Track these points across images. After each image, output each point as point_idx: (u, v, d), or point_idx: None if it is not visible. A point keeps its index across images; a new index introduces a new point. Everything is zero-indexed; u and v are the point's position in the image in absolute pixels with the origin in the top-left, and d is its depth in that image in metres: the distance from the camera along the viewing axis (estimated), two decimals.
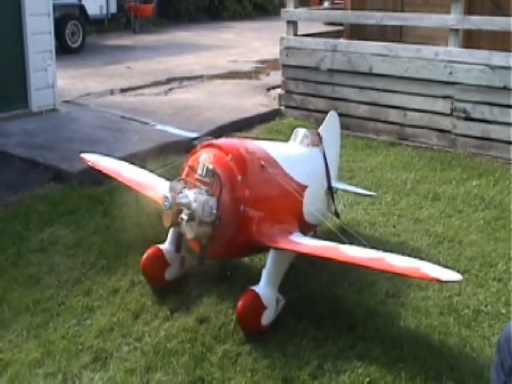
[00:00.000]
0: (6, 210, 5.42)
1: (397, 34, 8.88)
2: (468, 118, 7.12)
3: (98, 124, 7.86)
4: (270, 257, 3.77)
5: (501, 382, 2.28)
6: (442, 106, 7.28)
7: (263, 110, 8.91)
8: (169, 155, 6.47)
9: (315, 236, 4.48)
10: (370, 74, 7.79)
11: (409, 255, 3.88)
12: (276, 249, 3.74)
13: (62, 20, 13.66)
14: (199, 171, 3.75)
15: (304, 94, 8.54)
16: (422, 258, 3.78)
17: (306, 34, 9.24)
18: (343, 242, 3.74)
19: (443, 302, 4.11)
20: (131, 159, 5.28)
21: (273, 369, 3.44)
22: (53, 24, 8.20)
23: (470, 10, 7.42)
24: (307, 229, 4.28)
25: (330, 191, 4.64)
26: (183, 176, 3.85)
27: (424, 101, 7.43)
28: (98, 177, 5.39)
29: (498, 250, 4.80)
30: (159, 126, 7.94)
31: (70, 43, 14.06)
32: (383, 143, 7.57)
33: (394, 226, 5.24)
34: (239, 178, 3.73)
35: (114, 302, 4.06)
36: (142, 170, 4.72)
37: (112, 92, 10.14)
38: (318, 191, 4.46)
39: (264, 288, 3.70)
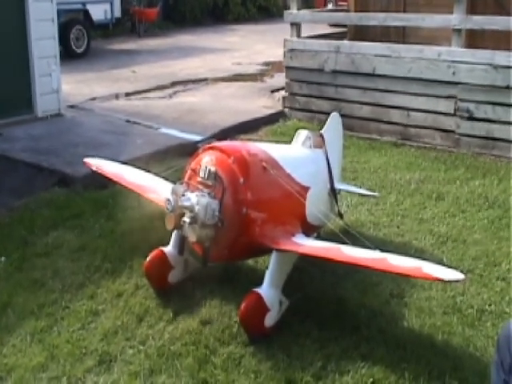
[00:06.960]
0: (11, 215, 5.44)
1: (400, 35, 8.88)
2: (471, 118, 7.12)
3: (103, 128, 7.89)
4: (273, 258, 3.77)
5: (501, 380, 2.28)
6: (446, 105, 7.28)
7: (267, 112, 8.93)
8: (173, 158, 6.48)
9: (318, 237, 4.48)
10: (373, 75, 7.79)
11: (412, 255, 3.89)
12: (279, 250, 3.75)
13: (66, 25, 13.74)
14: (201, 174, 3.75)
15: (308, 95, 8.56)
16: (425, 258, 3.79)
17: (310, 35, 9.25)
18: (346, 243, 3.75)
19: (447, 301, 4.10)
20: (136, 163, 5.30)
21: (276, 370, 3.45)
22: (57, 29, 8.27)
23: (472, 10, 7.42)
24: (310, 230, 4.28)
25: (333, 192, 4.64)
26: (186, 179, 3.87)
27: (427, 101, 7.42)
28: (102, 181, 5.40)
29: (502, 249, 4.79)
30: (164, 130, 7.97)
31: (74, 48, 14.15)
32: (387, 144, 7.57)
33: (398, 227, 5.24)
34: (241, 180, 3.73)
35: (118, 305, 4.07)
36: (145, 173, 4.74)
37: (117, 96, 10.18)
38: (320, 193, 4.45)
39: (267, 290, 3.70)
